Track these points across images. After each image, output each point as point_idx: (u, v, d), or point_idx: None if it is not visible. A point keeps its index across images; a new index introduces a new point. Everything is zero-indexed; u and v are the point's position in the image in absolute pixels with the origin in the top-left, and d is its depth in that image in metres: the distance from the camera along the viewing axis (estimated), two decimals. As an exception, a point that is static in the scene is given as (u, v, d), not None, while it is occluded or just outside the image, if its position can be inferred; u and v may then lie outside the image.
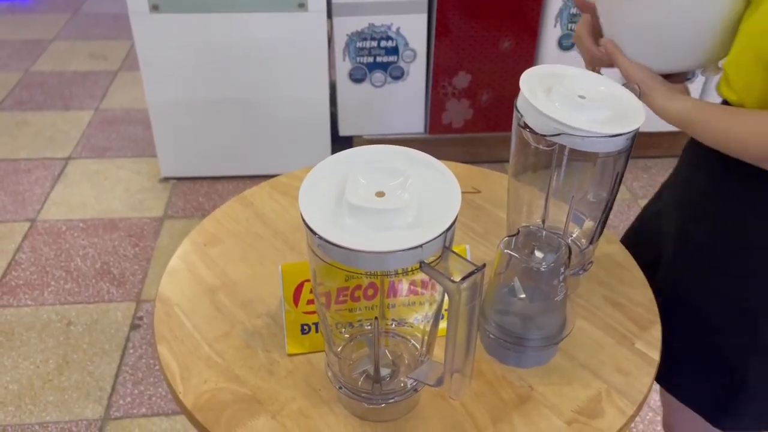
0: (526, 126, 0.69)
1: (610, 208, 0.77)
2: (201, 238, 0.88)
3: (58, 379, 1.62)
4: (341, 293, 0.72)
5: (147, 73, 2.11)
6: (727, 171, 0.74)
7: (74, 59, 3.17)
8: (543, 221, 0.82)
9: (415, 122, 2.30)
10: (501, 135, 2.31)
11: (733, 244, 0.77)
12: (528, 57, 2.23)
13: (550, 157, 0.72)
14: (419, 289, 0.74)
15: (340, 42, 2.13)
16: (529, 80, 0.72)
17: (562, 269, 0.66)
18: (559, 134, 0.66)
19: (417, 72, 2.19)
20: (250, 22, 2.04)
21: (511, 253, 0.67)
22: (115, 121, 2.68)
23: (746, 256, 0.76)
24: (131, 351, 1.70)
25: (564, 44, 2.21)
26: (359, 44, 2.12)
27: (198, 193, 2.28)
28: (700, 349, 0.82)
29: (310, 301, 0.72)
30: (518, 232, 0.69)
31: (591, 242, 0.80)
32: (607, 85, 0.73)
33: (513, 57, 2.22)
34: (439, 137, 2.34)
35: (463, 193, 0.97)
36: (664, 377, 0.77)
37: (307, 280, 0.72)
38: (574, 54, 2.24)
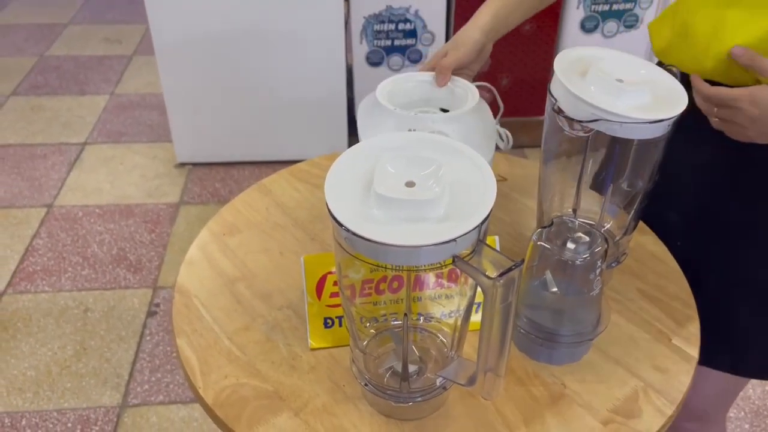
0: (560, 111, 0.66)
1: (647, 198, 0.74)
2: (219, 227, 0.86)
3: (76, 366, 1.61)
4: (366, 285, 0.70)
5: (162, 57, 2.08)
6: None
7: (89, 43, 3.15)
8: (574, 211, 0.79)
9: (433, 107, 2.26)
10: (522, 120, 2.27)
11: None
12: (549, 40, 2.18)
13: (584, 143, 0.69)
14: (446, 282, 0.71)
15: (357, 25, 2.09)
16: (563, 63, 0.68)
17: (598, 263, 0.63)
18: (596, 120, 0.63)
19: (436, 55, 2.14)
20: (266, 5, 2.01)
21: (545, 245, 0.64)
22: (130, 106, 2.66)
23: None
24: (148, 338, 1.69)
25: (587, 27, 2.15)
26: (376, 27, 2.08)
27: (214, 178, 2.26)
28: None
29: (333, 294, 0.69)
30: (552, 223, 0.66)
31: (625, 233, 0.77)
32: (646, 68, 0.69)
33: (534, 40, 2.17)
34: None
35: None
36: None
37: (330, 272, 0.69)
38: (597, 36, 2.19)
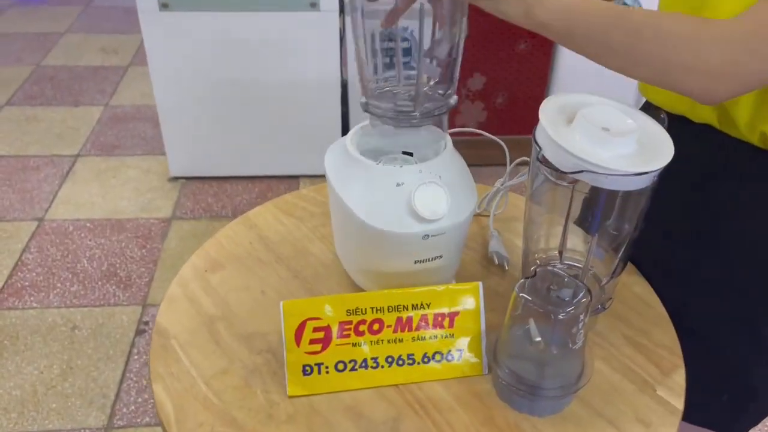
0: (544, 160, 0.65)
1: (633, 243, 0.73)
2: (202, 262, 0.85)
3: (62, 386, 1.60)
4: (344, 326, 0.69)
5: (155, 71, 2.07)
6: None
7: (85, 53, 3.15)
8: (560, 253, 0.78)
9: (428, 124, 2.25)
10: (515, 138, 2.26)
11: None
12: (545, 59, 2.17)
13: (570, 188, 0.68)
14: (431, 326, 0.70)
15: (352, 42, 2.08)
16: (549, 110, 0.67)
17: (581, 316, 0.62)
18: (580, 171, 0.62)
19: (431, 74, 2.13)
20: (261, 21, 2.00)
21: (526, 297, 0.63)
22: (124, 118, 2.65)
23: None
24: (136, 357, 1.68)
25: (583, 46, 2.15)
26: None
27: (207, 193, 2.25)
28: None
29: (313, 341, 0.68)
30: (535, 273, 0.65)
31: (612, 276, 0.76)
32: (633, 116, 0.68)
33: (529, 59, 2.16)
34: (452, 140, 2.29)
35: (476, 215, 0.93)
36: None
37: (310, 319, 0.68)
38: (593, 56, 2.18)
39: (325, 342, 0.68)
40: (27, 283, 1.87)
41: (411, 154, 0.77)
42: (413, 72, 0.72)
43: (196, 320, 0.77)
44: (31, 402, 1.56)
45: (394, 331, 0.69)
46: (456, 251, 0.77)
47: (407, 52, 0.76)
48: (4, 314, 1.78)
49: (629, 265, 0.84)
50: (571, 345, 0.63)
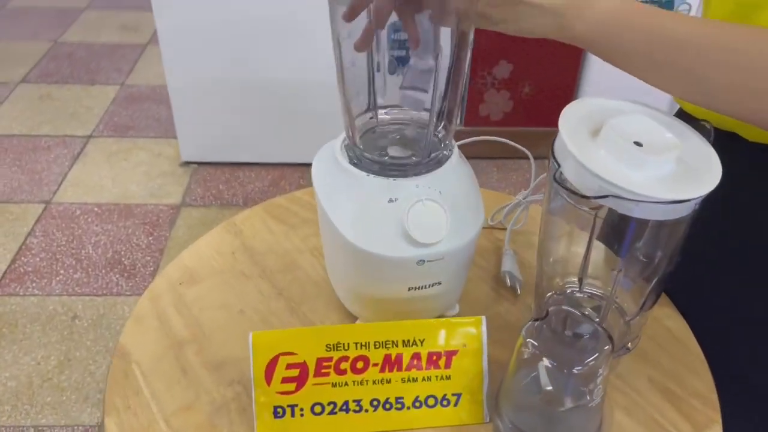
0: (562, 181, 0.54)
1: (667, 278, 0.62)
2: (178, 274, 0.76)
3: (58, 378, 1.54)
4: (323, 363, 0.60)
5: (167, 52, 1.99)
6: None
7: (104, 30, 3.08)
8: (581, 280, 0.68)
9: (450, 114, 2.14)
10: (543, 130, 2.14)
11: None
12: (576, 47, 2.04)
13: (593, 216, 0.57)
14: (424, 365, 0.61)
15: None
16: (570, 118, 0.57)
17: (600, 371, 0.52)
18: (605, 196, 0.51)
19: (455, 60, 2.02)
20: (277, 3, 1.90)
21: (533, 343, 0.53)
22: (140, 98, 2.59)
23: None
24: (136, 351, 1.61)
25: (618, 34, 2.01)
26: (393, 36, 1.95)
27: (218, 180, 2.17)
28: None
29: (286, 379, 0.59)
30: (547, 314, 0.55)
31: (641, 309, 0.65)
32: (673, 126, 0.57)
33: (559, 46, 2.03)
34: (475, 130, 2.18)
35: (486, 228, 0.83)
36: None
37: (284, 354, 0.59)
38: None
39: (301, 380, 0.59)
40: (30, 269, 1.82)
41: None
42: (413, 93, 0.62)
43: (163, 343, 0.68)
44: (25, 394, 1.51)
45: (381, 371, 0.60)
46: (458, 277, 0.67)
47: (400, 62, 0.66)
48: (5, 301, 1.73)
49: (662, 295, 0.73)
50: (586, 403, 0.53)
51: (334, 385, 0.60)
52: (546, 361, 0.53)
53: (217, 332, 0.69)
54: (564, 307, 0.55)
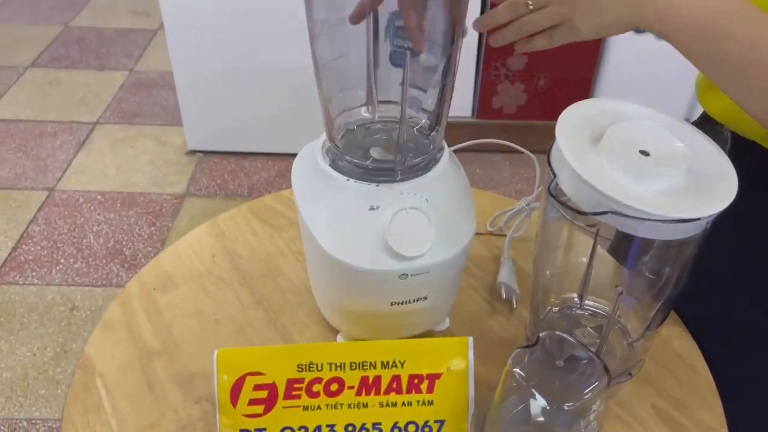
0: (556, 194, 0.49)
1: (675, 300, 0.56)
2: (153, 278, 0.72)
3: (54, 371, 1.52)
4: (293, 385, 0.55)
5: (173, 39, 1.95)
6: None
7: (116, 15, 3.05)
8: (581, 297, 0.62)
9: (461, 105, 2.08)
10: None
11: None
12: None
13: (594, 231, 0.52)
14: (404, 389, 0.56)
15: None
16: (569, 122, 0.51)
17: (594, 406, 0.46)
18: (604, 212, 0.46)
19: (466, 51, 1.95)
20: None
21: (521, 374, 0.47)
22: (148, 85, 2.55)
23: None
24: (133, 344, 1.58)
25: (639, 25, 1.92)
26: (399, 23, 1.89)
27: (224, 169, 2.13)
28: None
29: (253, 401, 0.54)
30: (537, 341, 0.49)
31: (644, 333, 0.60)
32: (683, 135, 0.51)
33: (578, 37, 1.95)
34: (487, 122, 2.11)
35: (485, 234, 0.78)
36: None
37: (251, 374, 0.54)
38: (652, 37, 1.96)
39: (269, 403, 0.55)
40: (30, 257, 1.80)
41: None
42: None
43: (130, 353, 0.64)
44: (20, 386, 1.48)
45: (358, 394, 0.55)
46: (446, 291, 0.62)
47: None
48: (4, 289, 1.71)
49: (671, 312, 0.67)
50: (578, 439, 0.48)
51: (305, 408, 0.55)
52: (535, 394, 0.47)
53: (189, 343, 0.65)
54: (557, 333, 0.50)
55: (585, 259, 0.58)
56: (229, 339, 0.65)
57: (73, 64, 2.67)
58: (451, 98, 0.59)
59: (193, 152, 2.19)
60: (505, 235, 0.78)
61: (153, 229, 1.91)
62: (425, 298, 0.59)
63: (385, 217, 0.54)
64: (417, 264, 0.55)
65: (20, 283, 1.73)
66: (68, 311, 1.66)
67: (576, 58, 1.98)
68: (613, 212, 0.45)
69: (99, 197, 2.01)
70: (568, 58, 1.98)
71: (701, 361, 0.64)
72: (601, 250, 0.56)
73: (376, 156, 0.58)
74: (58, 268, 1.77)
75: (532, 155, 0.76)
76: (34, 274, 1.75)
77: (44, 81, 2.56)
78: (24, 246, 1.83)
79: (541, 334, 0.49)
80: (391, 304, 0.58)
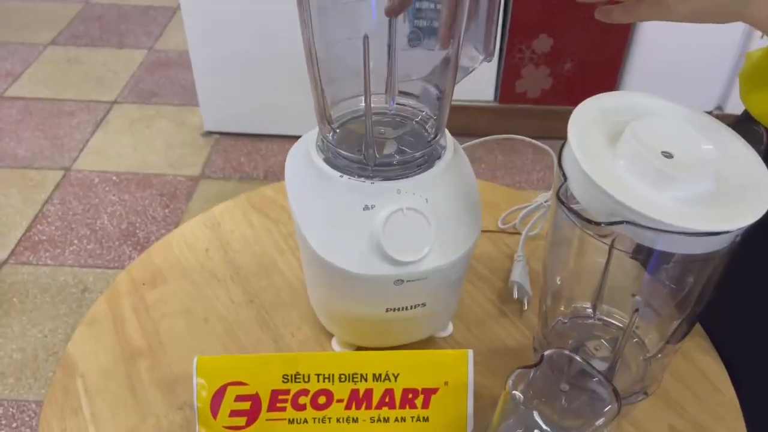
0: (565, 200, 0.44)
1: (699, 311, 0.51)
2: (142, 273, 0.68)
3: (63, 353, 1.51)
4: (278, 396, 0.51)
5: (190, 19, 1.91)
6: None
7: (137, -9, 3.02)
8: (594, 307, 0.57)
9: (483, 89, 2.01)
10: (584, 110, 1.99)
11: None
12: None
13: (608, 242, 0.47)
14: (398, 404, 0.52)
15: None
16: (583, 119, 0.46)
17: (601, 436, 0.42)
18: (619, 222, 0.41)
19: (490, 32, 1.88)
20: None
21: (521, 397, 0.43)
22: (167, 63, 2.52)
23: None
24: (143, 328, 1.57)
25: (672, 7, 1.83)
26: (418, 5, 1.83)
27: (240, 151, 2.10)
28: None
29: (235, 412, 0.51)
30: (541, 360, 0.45)
31: (663, 348, 0.55)
32: (711, 133, 0.46)
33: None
34: (510, 107, 2.04)
35: (496, 231, 0.73)
36: None
37: (233, 383, 0.50)
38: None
39: (252, 415, 0.51)
40: (44, 237, 1.79)
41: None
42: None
43: (115, 354, 0.61)
44: (30, 368, 1.48)
45: (347, 407, 0.51)
46: (447, 298, 0.57)
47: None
48: (19, 269, 1.71)
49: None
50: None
51: (291, 421, 0.51)
52: (536, 418, 0.43)
53: (176, 344, 0.62)
54: (564, 351, 0.45)
55: (600, 265, 0.53)
56: (217, 340, 0.61)
57: (93, 42, 2.65)
58: (453, 88, 0.54)
59: (210, 133, 2.16)
60: (517, 234, 0.73)
61: (167, 211, 1.89)
62: (423, 304, 0.55)
63: (379, 217, 0.50)
64: (413, 269, 0.51)
65: (34, 263, 1.72)
66: (80, 293, 1.65)
67: (604, 42, 1.90)
68: (629, 222, 0.40)
69: (114, 178, 1.99)
70: (596, 41, 1.90)
71: (725, 379, 0.59)
72: (618, 253, 0.51)
73: (373, 151, 0.53)
74: (71, 249, 1.76)
75: (550, 150, 0.71)
76: (47, 254, 1.75)
77: (63, 59, 2.54)
78: (39, 226, 1.83)
79: (545, 353, 0.45)
80: (387, 311, 0.54)
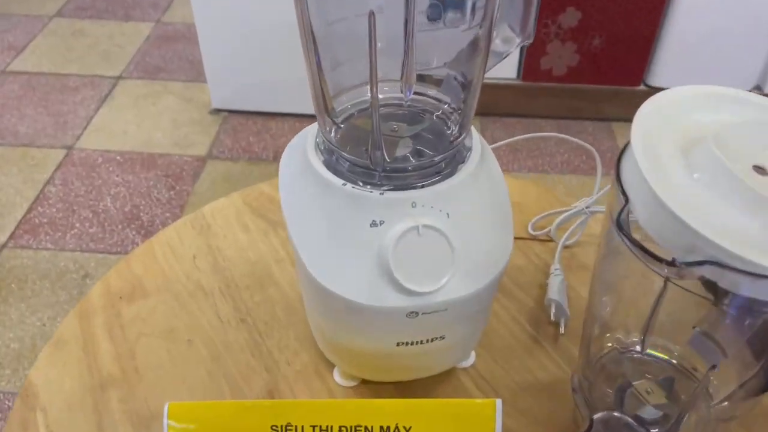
0: (624, 229, 0.34)
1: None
2: (120, 283, 0.60)
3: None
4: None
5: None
6: None
7: (145, -39, 2.91)
8: (642, 342, 0.48)
9: (506, 66, 1.89)
10: (613, 89, 1.87)
11: None
12: (661, -8, 1.74)
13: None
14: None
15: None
16: (648, 122, 0.36)
17: None
18: (701, 263, 0.31)
19: (514, 5, 1.76)
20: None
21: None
22: (174, 37, 2.42)
23: None
24: (145, 318, 1.50)
25: (712, -22, 1.70)
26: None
27: (249, 130, 2.01)
28: None
29: (213, 468, 0.42)
30: (590, 425, 0.36)
31: (734, 395, 0.45)
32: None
33: (641, -9, 1.74)
34: (534, 86, 1.93)
35: (525, 238, 0.64)
36: None
37: (211, 435, 0.42)
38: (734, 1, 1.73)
39: (234, 472, 0.43)
40: (45, 220, 1.72)
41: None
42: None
43: (83, 382, 0.53)
44: (27, 358, 1.42)
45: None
46: (470, 329, 0.48)
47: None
48: (18, 253, 1.64)
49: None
50: None
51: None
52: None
53: (153, 371, 0.53)
54: (616, 414, 0.36)
55: (655, 291, 0.44)
56: (201, 367, 0.53)
57: (99, 13, 2.56)
58: (482, 76, 0.45)
59: (218, 111, 2.07)
60: (550, 241, 0.64)
61: (172, 193, 1.81)
62: (442, 337, 0.46)
63: (389, 237, 0.41)
64: (430, 300, 0.41)
65: (33, 247, 1.65)
66: (80, 279, 1.58)
67: (636, 15, 1.77)
68: (712, 263, 0.31)
69: (118, 157, 1.91)
70: (628, 15, 1.77)
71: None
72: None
73: (384, 153, 0.44)
74: (72, 232, 1.69)
75: (592, 149, 0.61)
76: (47, 238, 1.68)
77: (68, 32, 2.45)
78: (39, 208, 1.76)
79: (595, 417, 0.35)
80: (398, 345, 0.45)
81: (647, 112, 0.36)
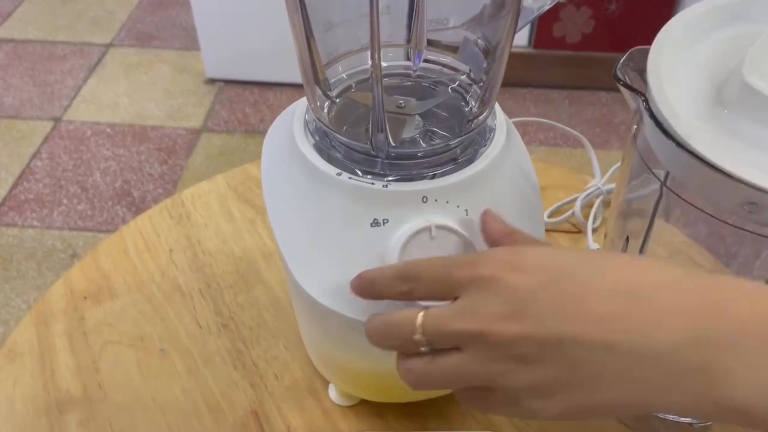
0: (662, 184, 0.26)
1: None
2: (84, 283, 0.52)
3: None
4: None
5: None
6: None
7: None
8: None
9: (516, 33, 1.79)
10: (628, 57, 1.77)
11: None
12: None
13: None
14: None
15: None
16: (673, 38, 0.28)
17: None
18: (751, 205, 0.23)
19: (526, -33, 1.65)
20: None
21: None
22: (168, 2, 2.31)
23: None
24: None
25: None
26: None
27: (246, 101, 1.92)
28: None
29: None
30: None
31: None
32: None
33: (662, -48, 1.64)
34: (546, 53, 1.83)
35: (550, 230, 0.56)
36: None
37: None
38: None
39: None
40: (31, 196, 1.64)
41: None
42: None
43: (37, 402, 0.45)
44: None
45: None
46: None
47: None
48: (2, 231, 1.56)
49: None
50: None
51: None
52: None
53: (120, 388, 0.46)
54: None
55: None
56: (175, 382, 0.46)
57: (88, -23, 2.44)
58: (512, 39, 0.36)
59: (213, 81, 1.98)
60: (572, 233, 0.56)
61: (165, 167, 1.72)
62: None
63: (395, 239, 0.33)
64: (445, 319, 0.33)
65: (19, 225, 1.58)
66: (68, 258, 1.51)
67: (656, -22, 1.67)
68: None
69: (108, 130, 1.83)
70: (647, -23, 1.66)
71: None
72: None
73: (388, 136, 0.35)
74: (60, 209, 1.62)
75: (583, 138, 0.52)
76: (34, 215, 1.60)
77: (57, -3, 2.35)
78: (25, 183, 1.68)
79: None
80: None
81: (671, 29, 0.28)
